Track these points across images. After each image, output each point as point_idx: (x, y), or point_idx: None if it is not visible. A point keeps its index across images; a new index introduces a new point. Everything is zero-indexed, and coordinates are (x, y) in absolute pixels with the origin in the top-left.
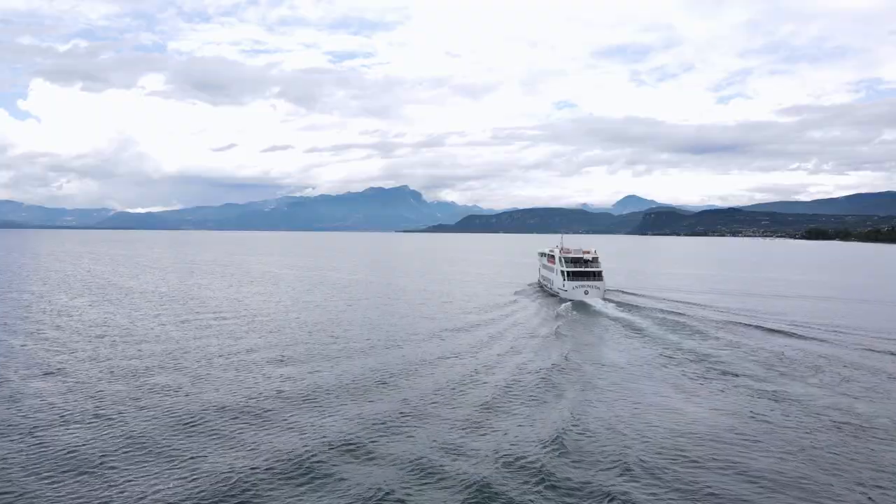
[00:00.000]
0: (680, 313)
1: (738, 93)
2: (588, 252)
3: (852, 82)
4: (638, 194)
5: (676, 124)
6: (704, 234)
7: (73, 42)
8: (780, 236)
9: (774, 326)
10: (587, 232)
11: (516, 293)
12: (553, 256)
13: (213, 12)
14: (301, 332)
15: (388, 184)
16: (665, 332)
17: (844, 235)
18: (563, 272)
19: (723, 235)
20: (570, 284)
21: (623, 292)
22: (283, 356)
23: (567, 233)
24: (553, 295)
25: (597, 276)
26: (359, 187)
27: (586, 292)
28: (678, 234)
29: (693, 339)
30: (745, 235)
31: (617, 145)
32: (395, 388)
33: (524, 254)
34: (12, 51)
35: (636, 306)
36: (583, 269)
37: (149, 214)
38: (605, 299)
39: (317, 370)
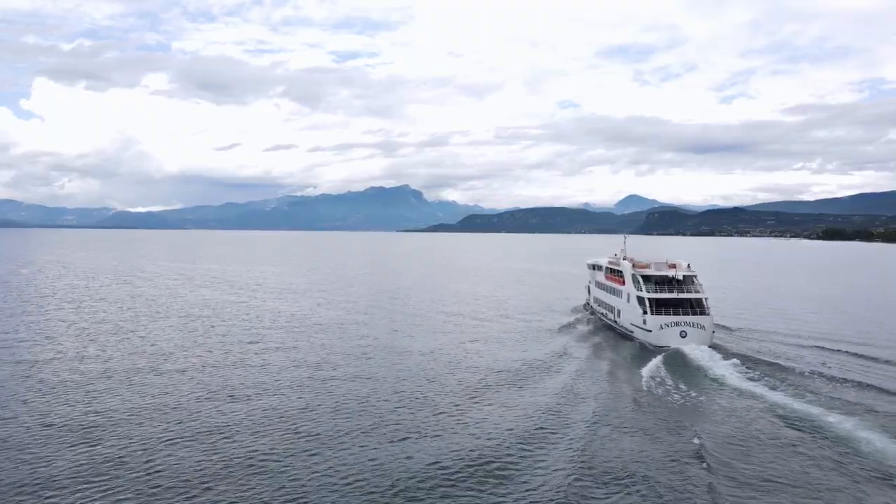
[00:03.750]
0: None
1: (740, 93)
2: (675, 266)
3: (854, 82)
4: (640, 194)
5: (680, 124)
6: (710, 233)
7: (76, 41)
8: (794, 236)
9: None
10: (590, 231)
11: (563, 331)
12: (618, 272)
13: (218, 12)
14: None
15: (390, 183)
16: None
17: (866, 236)
18: (640, 299)
19: (729, 235)
20: (654, 321)
21: (729, 329)
22: None
23: (570, 232)
24: (625, 335)
25: (697, 306)
26: (360, 187)
27: (683, 335)
28: (683, 234)
29: None
30: (752, 235)
31: (620, 145)
32: None
33: (538, 258)
34: (15, 50)
35: (779, 366)
36: (673, 296)
37: (149, 214)
38: (713, 346)
39: None
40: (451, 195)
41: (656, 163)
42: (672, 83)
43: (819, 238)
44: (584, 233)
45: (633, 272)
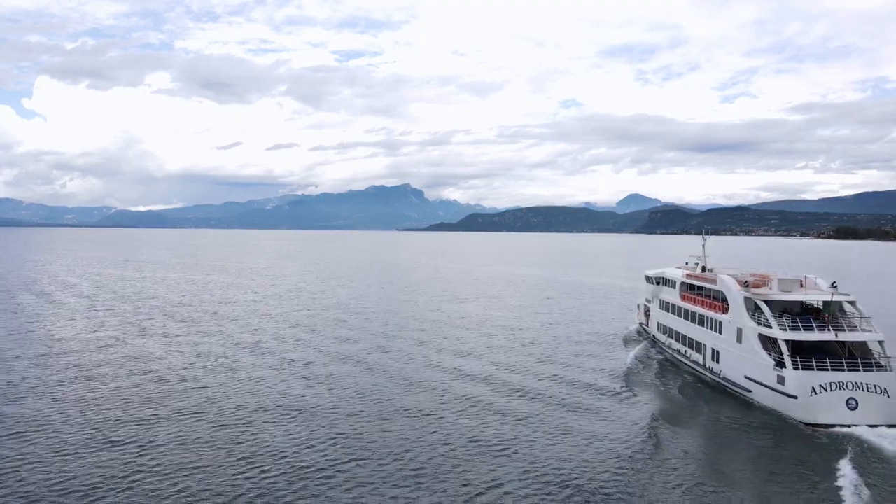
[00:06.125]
0: None
1: (742, 92)
2: (812, 286)
3: (857, 81)
4: (642, 193)
5: (682, 123)
6: (714, 233)
7: (80, 40)
8: (803, 235)
9: None
10: (591, 231)
11: (630, 392)
12: (708, 291)
13: (221, 12)
14: None
15: (391, 182)
16: None
17: (880, 235)
18: (767, 341)
19: (734, 234)
20: (802, 380)
21: None
22: None
23: (571, 231)
24: (728, 391)
25: (866, 355)
26: (361, 185)
27: (852, 405)
28: (687, 233)
29: None
30: (757, 234)
31: (622, 144)
32: None
33: (549, 263)
34: (18, 49)
35: None
36: (826, 337)
37: (149, 213)
38: None
39: None
40: (452, 194)
41: (658, 162)
42: (674, 82)
43: (830, 237)
44: (587, 231)
45: (744, 294)
